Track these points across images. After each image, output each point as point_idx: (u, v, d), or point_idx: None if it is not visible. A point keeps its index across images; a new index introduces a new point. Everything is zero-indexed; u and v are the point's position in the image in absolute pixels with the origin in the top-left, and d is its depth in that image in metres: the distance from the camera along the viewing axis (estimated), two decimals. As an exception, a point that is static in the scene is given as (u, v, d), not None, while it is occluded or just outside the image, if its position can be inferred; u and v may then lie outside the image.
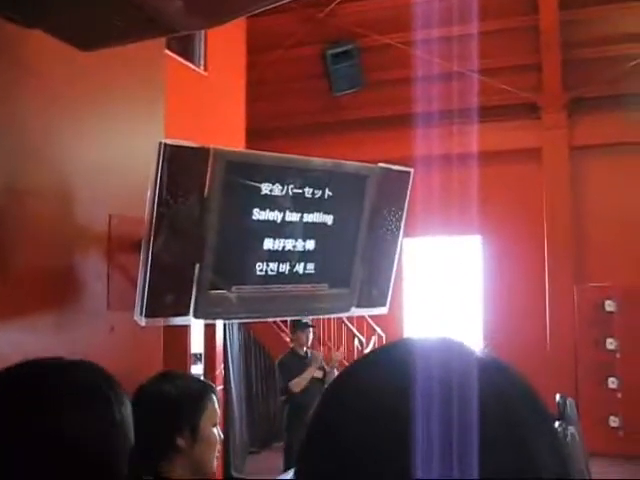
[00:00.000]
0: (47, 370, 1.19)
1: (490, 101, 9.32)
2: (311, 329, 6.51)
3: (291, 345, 6.54)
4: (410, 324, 10.37)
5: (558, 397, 5.62)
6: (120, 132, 4.54)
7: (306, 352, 6.43)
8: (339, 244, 4.41)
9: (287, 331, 8.69)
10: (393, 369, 0.60)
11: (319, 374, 6.17)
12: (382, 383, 0.59)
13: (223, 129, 8.19)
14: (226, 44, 8.58)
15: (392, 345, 0.67)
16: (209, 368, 8.00)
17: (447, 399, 0.55)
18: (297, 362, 6.28)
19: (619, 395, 8.84)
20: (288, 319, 6.63)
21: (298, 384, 6.05)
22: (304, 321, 6.30)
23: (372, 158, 7.77)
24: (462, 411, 0.54)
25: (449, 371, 0.57)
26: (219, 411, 2.30)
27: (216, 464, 2.24)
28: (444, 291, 10.28)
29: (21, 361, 1.18)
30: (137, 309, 3.79)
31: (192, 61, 8.20)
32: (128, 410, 1.22)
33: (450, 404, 0.54)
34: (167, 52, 6.33)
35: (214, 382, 7.68)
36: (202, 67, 8.35)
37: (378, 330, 8.86)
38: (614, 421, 8.82)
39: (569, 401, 5.54)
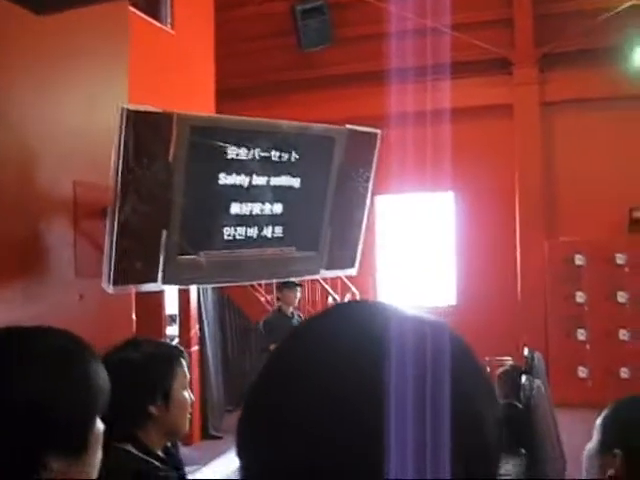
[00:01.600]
0: (11, 335, 1.22)
1: (461, 57, 9.25)
2: (298, 288, 6.48)
3: (278, 304, 6.50)
4: (384, 281, 10.46)
5: (526, 351, 5.75)
6: (82, 95, 4.46)
7: (292, 312, 6.41)
8: (307, 207, 4.42)
9: (262, 291, 8.76)
10: (329, 342, 0.58)
11: None
12: (317, 360, 0.57)
13: (192, 89, 8.06)
14: (193, 1, 8.39)
15: (324, 315, 0.64)
16: (184, 329, 8.05)
17: (398, 368, 0.54)
18: (283, 321, 6.26)
19: (587, 347, 9.05)
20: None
21: None
22: (291, 280, 6.25)
23: (343, 115, 7.75)
24: (411, 378, 0.54)
25: (389, 338, 0.55)
26: (193, 372, 2.26)
27: (188, 425, 2.24)
28: (417, 247, 10.36)
29: None
30: (105, 277, 3.78)
31: (158, 19, 8.02)
32: (97, 372, 1.24)
33: (402, 372, 0.54)
34: (131, 10, 6.19)
35: (189, 343, 7.73)
36: (169, 25, 8.17)
37: (352, 288, 8.93)
38: (582, 372, 9.05)
39: (537, 355, 5.67)
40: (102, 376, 1.25)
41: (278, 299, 6.53)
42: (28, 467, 1.12)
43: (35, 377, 1.15)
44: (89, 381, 1.21)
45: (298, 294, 6.52)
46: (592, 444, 1.71)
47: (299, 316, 6.52)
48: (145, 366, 2.08)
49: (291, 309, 6.42)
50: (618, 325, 8.95)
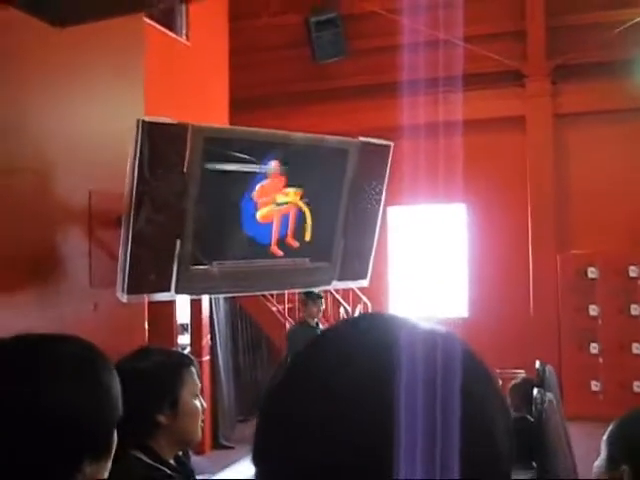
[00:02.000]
0: (32, 343, 1.24)
1: (473, 69, 9.26)
2: (322, 300, 6.60)
3: (302, 315, 6.67)
4: (396, 292, 10.45)
5: (538, 364, 5.72)
6: (99, 106, 4.51)
7: (317, 323, 6.55)
8: (320, 218, 4.44)
9: (273, 301, 8.77)
10: (346, 351, 0.60)
11: None
12: (334, 369, 0.59)
13: (206, 100, 8.12)
14: (208, 12, 8.46)
15: (338, 328, 0.66)
16: (196, 338, 8.07)
17: (411, 379, 0.55)
18: (308, 332, 6.39)
19: (600, 360, 8.99)
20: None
21: None
22: (315, 292, 6.34)
23: (356, 127, 7.79)
24: (424, 388, 0.55)
25: (403, 349, 0.57)
26: (204, 381, 2.26)
27: (200, 434, 2.24)
28: (429, 259, 10.35)
29: (6, 337, 1.22)
30: (119, 286, 3.81)
31: (174, 30, 8.09)
32: (114, 378, 1.26)
33: (414, 384, 0.55)
34: (147, 21, 6.25)
35: (201, 352, 7.75)
36: (184, 36, 8.25)
37: (364, 298, 8.93)
38: (595, 385, 8.99)
39: (548, 368, 5.64)
40: (118, 383, 1.28)
41: (302, 311, 6.69)
42: (67, 471, 1.15)
43: (68, 384, 1.18)
44: (112, 388, 1.25)
45: (322, 307, 6.65)
46: (600, 461, 1.70)
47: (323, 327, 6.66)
48: (153, 375, 2.08)
49: (315, 320, 6.56)
50: (632, 339, 8.90)
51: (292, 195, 4.35)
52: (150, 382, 2.06)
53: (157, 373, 2.09)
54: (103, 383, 1.23)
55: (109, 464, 1.25)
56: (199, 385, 2.22)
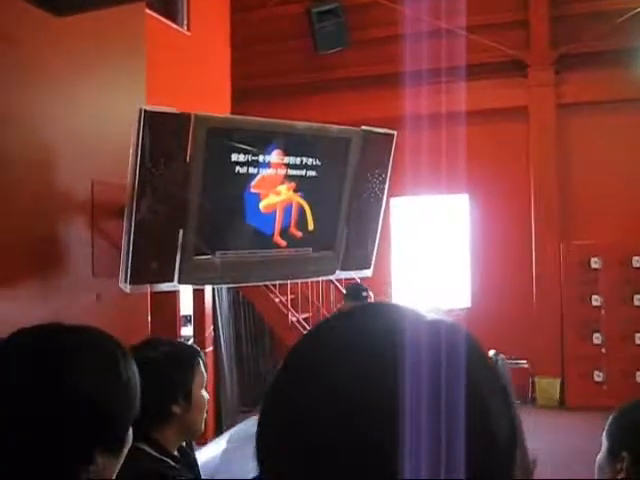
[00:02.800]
0: (54, 331, 1.24)
1: (476, 59, 9.23)
2: (364, 301, 6.55)
3: (338, 307, 6.73)
4: (398, 282, 10.45)
5: (491, 353, 5.66)
6: (100, 97, 4.50)
7: None
8: (323, 207, 4.43)
9: (276, 292, 8.76)
10: (349, 340, 0.60)
11: None
12: (335, 354, 0.59)
13: (208, 90, 8.10)
14: (209, 2, 8.43)
15: (341, 317, 0.66)
16: (199, 329, 8.07)
17: (413, 365, 0.55)
18: None
19: (603, 350, 8.98)
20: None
21: None
22: (358, 289, 6.24)
23: (358, 118, 7.75)
24: (426, 374, 0.55)
25: (406, 337, 0.57)
26: (208, 373, 2.26)
27: (203, 425, 2.25)
28: (432, 249, 10.34)
29: (31, 325, 1.22)
30: (122, 276, 3.81)
31: (174, 21, 8.05)
32: (134, 369, 1.27)
33: (417, 369, 0.55)
34: (148, 12, 6.23)
35: (204, 343, 7.76)
36: (185, 27, 8.21)
37: (366, 289, 8.92)
38: (598, 376, 8.98)
39: (500, 357, 5.59)
40: (137, 375, 1.28)
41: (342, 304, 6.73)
42: (80, 460, 1.16)
43: (89, 375, 1.19)
44: (131, 380, 1.25)
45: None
46: (601, 454, 1.71)
47: None
48: (167, 366, 2.09)
49: None
50: (635, 329, 8.88)
51: (284, 192, 4.32)
52: (164, 373, 2.07)
53: (170, 364, 2.11)
54: (121, 374, 1.23)
55: (121, 460, 1.25)
56: (206, 376, 2.23)
